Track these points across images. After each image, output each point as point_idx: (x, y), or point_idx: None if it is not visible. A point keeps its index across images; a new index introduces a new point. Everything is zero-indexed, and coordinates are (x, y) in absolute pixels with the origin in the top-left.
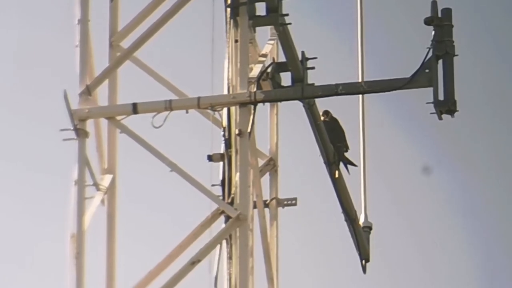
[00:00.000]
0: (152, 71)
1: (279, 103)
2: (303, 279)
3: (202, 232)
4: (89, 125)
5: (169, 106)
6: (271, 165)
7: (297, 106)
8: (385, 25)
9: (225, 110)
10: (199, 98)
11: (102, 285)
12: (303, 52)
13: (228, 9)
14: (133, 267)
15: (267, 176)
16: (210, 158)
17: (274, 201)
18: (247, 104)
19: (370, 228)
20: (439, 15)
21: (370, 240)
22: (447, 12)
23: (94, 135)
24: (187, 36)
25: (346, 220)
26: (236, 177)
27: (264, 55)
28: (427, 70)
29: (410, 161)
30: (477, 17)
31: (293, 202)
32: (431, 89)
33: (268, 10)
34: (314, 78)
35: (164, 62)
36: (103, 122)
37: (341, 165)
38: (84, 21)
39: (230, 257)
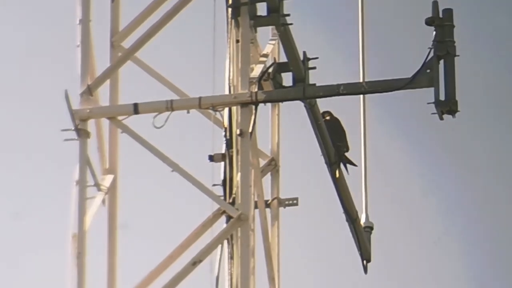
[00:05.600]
0: (153, 71)
1: (280, 103)
2: (305, 279)
3: (203, 232)
4: (90, 125)
5: (170, 106)
6: (272, 165)
7: (298, 106)
8: (387, 25)
9: (226, 110)
10: (200, 98)
11: (103, 285)
12: (304, 52)
13: (229, 9)
14: (134, 267)
15: (268, 176)
16: (212, 158)
17: (275, 201)
18: (248, 104)
19: (371, 228)
20: (440, 15)
21: (371, 240)
22: (448, 12)
23: (95, 135)
24: (188, 36)
25: (347, 220)
26: (237, 177)
27: (265, 55)
28: (428, 71)
29: (411, 161)
30: (478, 18)
31: (295, 202)
32: (432, 89)
33: (269, 10)
34: (316, 78)
35: (165, 62)
36: (104, 122)
37: (341, 165)
38: (85, 21)
39: (231, 257)
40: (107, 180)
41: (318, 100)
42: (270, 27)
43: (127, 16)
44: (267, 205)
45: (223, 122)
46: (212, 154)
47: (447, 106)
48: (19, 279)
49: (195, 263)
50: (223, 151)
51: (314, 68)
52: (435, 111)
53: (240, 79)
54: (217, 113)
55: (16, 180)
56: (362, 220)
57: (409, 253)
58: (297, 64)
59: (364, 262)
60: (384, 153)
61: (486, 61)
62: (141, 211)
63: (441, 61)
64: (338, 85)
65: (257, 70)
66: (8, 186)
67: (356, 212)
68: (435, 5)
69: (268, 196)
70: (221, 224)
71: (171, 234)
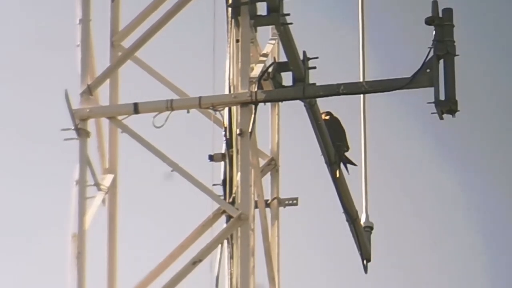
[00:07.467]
0: (153, 70)
1: (280, 103)
2: (304, 279)
3: (204, 232)
4: (90, 125)
5: (170, 105)
6: (272, 165)
7: (298, 106)
8: (387, 24)
9: (226, 109)
10: (200, 97)
11: (103, 285)
12: (304, 52)
13: (229, 9)
14: (135, 266)
15: (268, 176)
16: (211, 157)
17: (275, 201)
18: (248, 104)
19: (371, 228)
20: (440, 15)
21: (371, 240)
22: (448, 12)
23: (95, 135)
24: (188, 35)
25: (347, 220)
26: (237, 177)
27: (265, 55)
28: (428, 70)
29: (411, 161)
30: (478, 17)
31: (294, 202)
32: (432, 89)
33: (269, 9)
34: (316, 77)
35: (165, 62)
36: (104, 121)
37: (341, 164)
38: (85, 21)
39: (231, 257)
40: (107, 180)
41: (318, 100)
42: (270, 26)
43: (127, 16)
44: (267, 205)
45: (223, 122)
46: (212, 153)
47: (447, 105)
48: (20, 279)
49: (195, 262)
50: (223, 151)
51: (314, 67)
52: (435, 111)
53: (240, 78)
54: (217, 112)
55: (16, 180)
56: (362, 220)
57: (409, 253)
58: (297, 63)
59: (364, 262)
60: (384, 152)
61: (486, 60)
62: (141, 211)
63: (441, 61)
64: (338, 85)
65: (257, 69)
66: (8, 186)
67: (356, 212)
68: (435, 4)
69: (268, 196)
70: (221, 223)
71: (171, 234)
